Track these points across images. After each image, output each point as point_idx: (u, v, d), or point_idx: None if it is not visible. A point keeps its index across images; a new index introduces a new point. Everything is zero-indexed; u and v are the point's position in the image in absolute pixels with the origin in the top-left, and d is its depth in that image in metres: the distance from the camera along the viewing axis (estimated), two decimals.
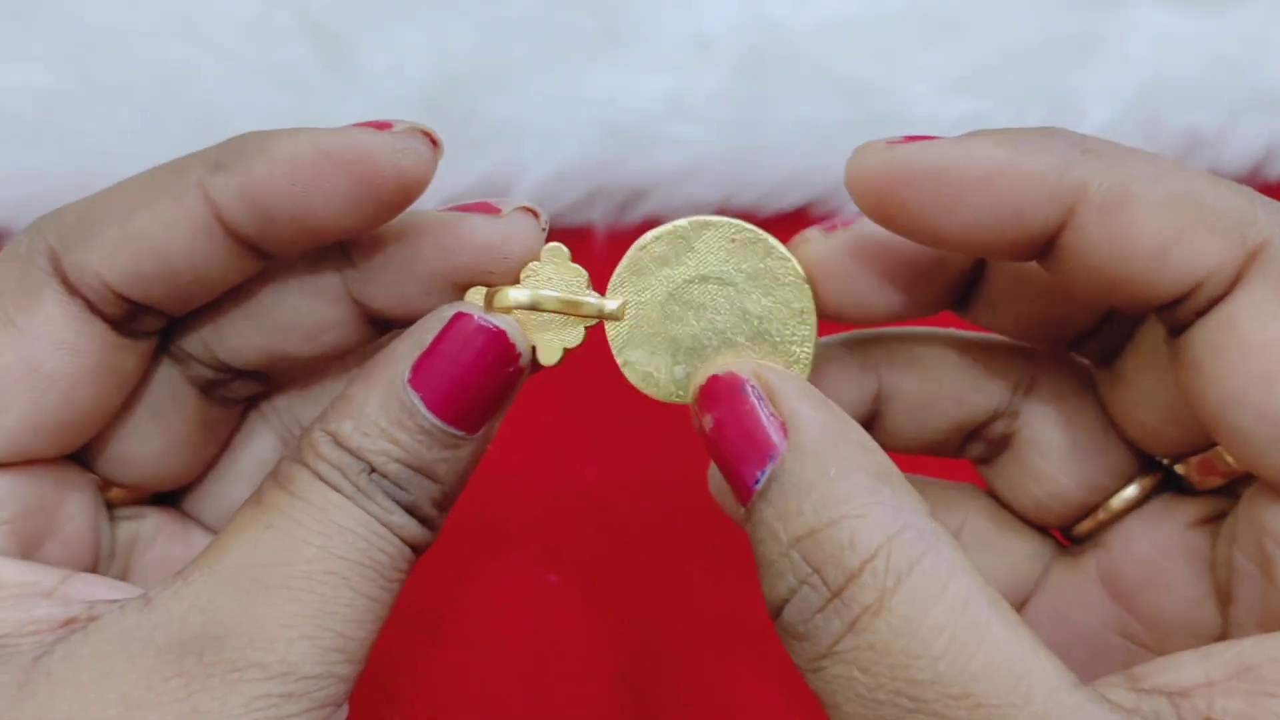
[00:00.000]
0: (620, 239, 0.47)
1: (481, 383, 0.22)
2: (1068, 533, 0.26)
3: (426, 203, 0.25)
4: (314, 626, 0.21)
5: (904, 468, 0.26)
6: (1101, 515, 0.25)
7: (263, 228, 0.22)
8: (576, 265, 0.24)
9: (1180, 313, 0.21)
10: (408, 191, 0.22)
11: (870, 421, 0.26)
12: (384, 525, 0.22)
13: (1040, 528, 0.27)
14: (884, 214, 0.21)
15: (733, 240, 0.23)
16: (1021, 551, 0.26)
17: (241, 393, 0.27)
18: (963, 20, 0.49)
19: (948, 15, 0.49)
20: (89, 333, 0.23)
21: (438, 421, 0.22)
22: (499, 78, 0.48)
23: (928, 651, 0.18)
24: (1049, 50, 0.48)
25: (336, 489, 0.22)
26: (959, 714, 0.18)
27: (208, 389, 0.26)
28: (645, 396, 0.26)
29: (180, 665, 0.20)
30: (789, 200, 0.47)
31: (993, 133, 0.21)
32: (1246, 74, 0.48)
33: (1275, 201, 0.20)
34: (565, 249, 0.24)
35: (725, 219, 0.23)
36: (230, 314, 0.25)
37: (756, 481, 0.21)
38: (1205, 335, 0.20)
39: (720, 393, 0.22)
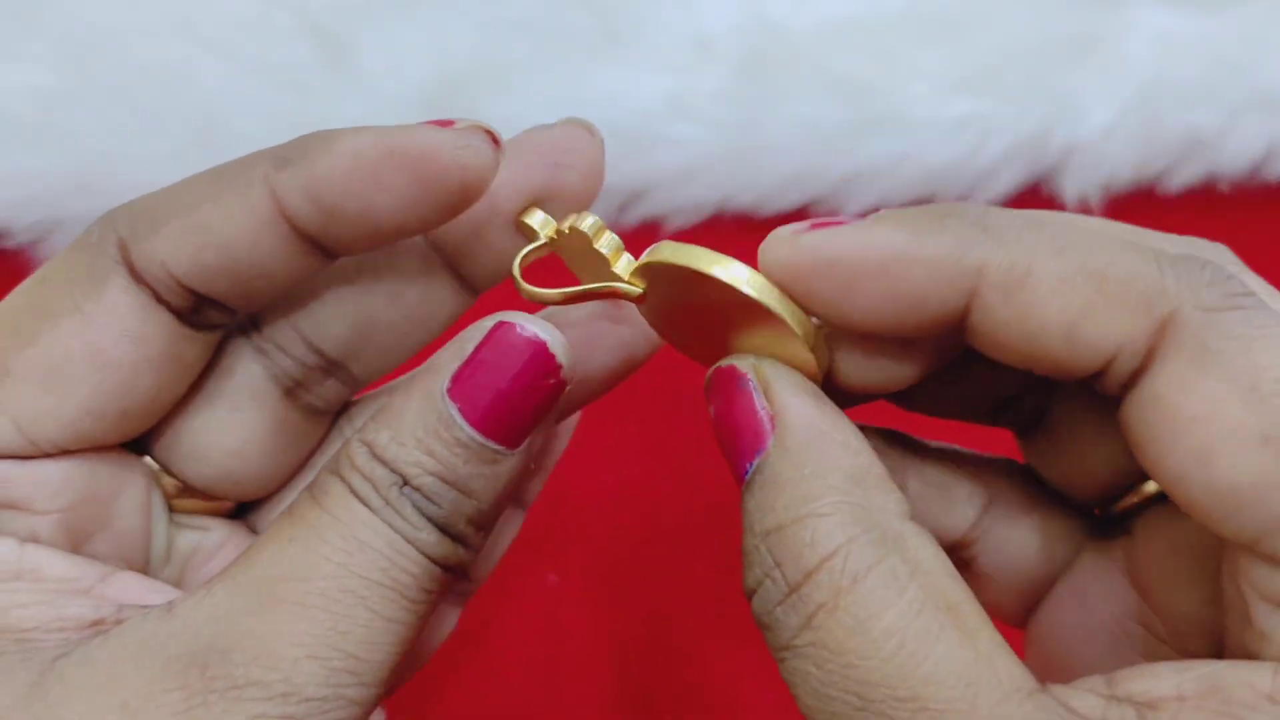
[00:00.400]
0: (620, 239, 0.47)
1: (521, 395, 0.22)
2: (1107, 510, 0.26)
3: None
4: (324, 646, 0.20)
5: (943, 436, 0.26)
6: (1134, 498, 0.25)
7: (325, 223, 0.22)
8: (606, 242, 0.24)
9: (1106, 386, 0.20)
10: (469, 190, 0.22)
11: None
12: (410, 542, 0.21)
13: (1079, 506, 0.26)
14: (810, 302, 0.22)
15: (724, 290, 0.22)
16: (1053, 529, 0.26)
17: (325, 397, 0.26)
18: (963, 20, 0.49)
19: (948, 15, 0.49)
20: (154, 321, 0.23)
21: (475, 434, 0.21)
22: (499, 78, 0.48)
23: (877, 653, 0.19)
24: (1049, 50, 0.48)
25: (364, 502, 0.21)
26: (904, 716, 0.18)
27: (292, 390, 0.26)
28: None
29: (184, 677, 0.20)
30: (789, 200, 0.47)
31: (893, 215, 0.21)
32: (1246, 74, 0.48)
33: (1190, 261, 0.20)
34: (585, 232, 0.23)
35: (725, 274, 0.22)
36: (315, 288, 0.25)
37: (746, 473, 0.21)
38: (1136, 412, 0.20)
39: (721, 384, 0.22)
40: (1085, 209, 0.47)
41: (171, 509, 0.26)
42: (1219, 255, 0.22)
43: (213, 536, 0.26)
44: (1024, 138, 0.47)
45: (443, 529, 0.22)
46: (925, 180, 0.47)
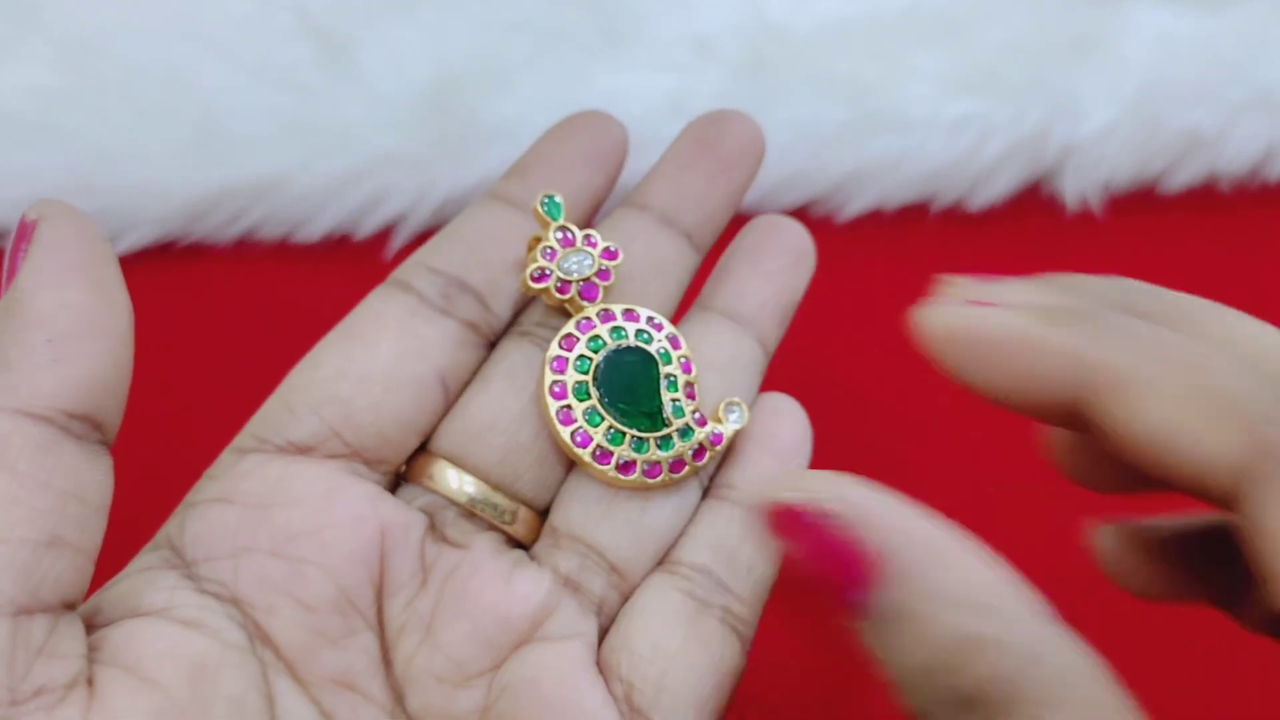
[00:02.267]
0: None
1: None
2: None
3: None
4: None
5: None
6: None
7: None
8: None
9: (1216, 498, 0.20)
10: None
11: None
12: None
13: None
14: (953, 368, 0.22)
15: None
16: None
17: None
18: (963, 20, 0.49)
19: (948, 15, 0.49)
20: (397, 302, 0.28)
21: None
22: (499, 78, 0.48)
23: None
24: (1049, 50, 0.48)
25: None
26: None
27: None
28: None
29: None
30: (789, 200, 0.47)
31: (1037, 292, 0.21)
32: (1246, 74, 0.48)
33: None
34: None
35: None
36: None
37: (855, 602, 0.19)
38: (1245, 526, 0.19)
39: (796, 523, 0.20)
40: (1085, 208, 0.47)
41: (474, 513, 0.27)
42: None
43: (473, 555, 0.27)
44: (1024, 138, 0.47)
45: None
46: (925, 180, 0.47)
